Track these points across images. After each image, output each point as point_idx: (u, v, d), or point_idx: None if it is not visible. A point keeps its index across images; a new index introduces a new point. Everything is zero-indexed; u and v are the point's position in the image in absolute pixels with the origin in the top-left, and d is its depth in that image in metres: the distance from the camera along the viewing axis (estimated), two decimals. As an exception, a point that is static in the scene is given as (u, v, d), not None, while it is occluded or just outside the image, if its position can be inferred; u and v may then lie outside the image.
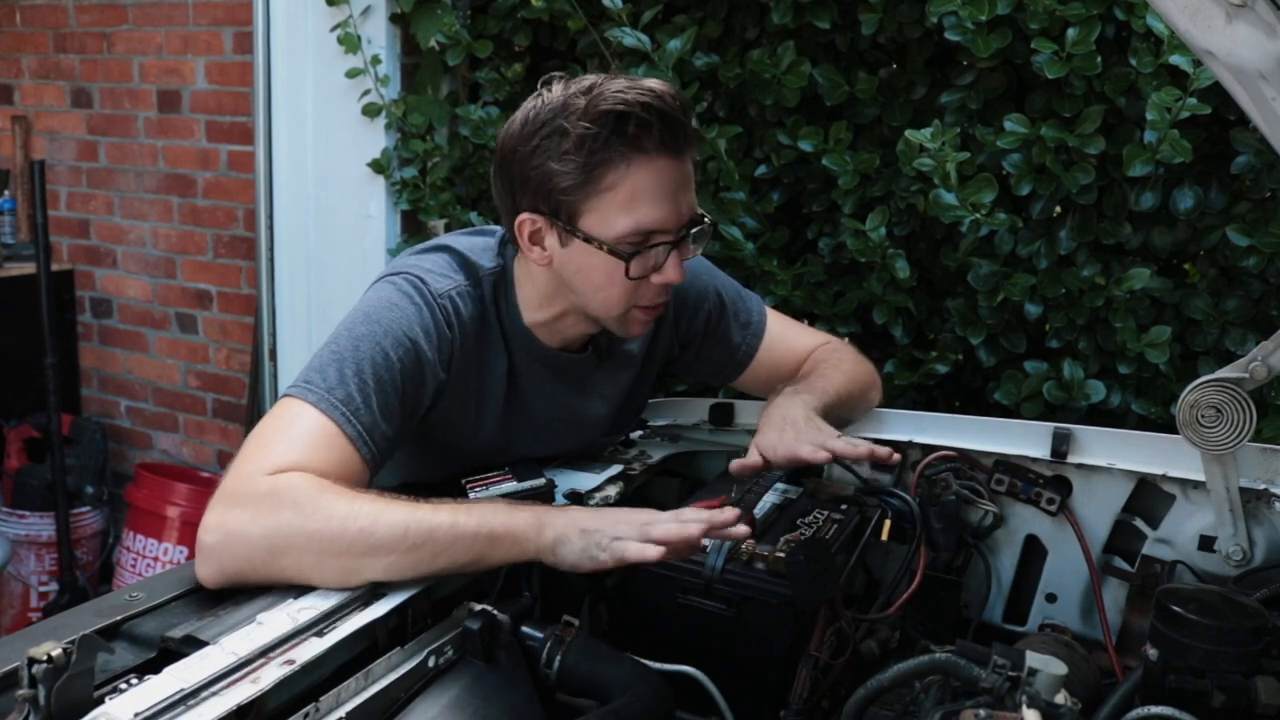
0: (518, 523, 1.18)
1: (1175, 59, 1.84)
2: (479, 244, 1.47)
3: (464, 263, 1.43)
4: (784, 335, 1.69)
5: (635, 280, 1.34)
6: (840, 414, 1.56)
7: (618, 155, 1.28)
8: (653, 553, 1.15)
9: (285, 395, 1.25)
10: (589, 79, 1.32)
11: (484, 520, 1.16)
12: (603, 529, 1.17)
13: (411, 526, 1.13)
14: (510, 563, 1.21)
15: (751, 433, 1.60)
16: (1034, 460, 1.55)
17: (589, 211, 1.31)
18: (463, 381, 1.41)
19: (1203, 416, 1.32)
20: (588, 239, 1.32)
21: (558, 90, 1.32)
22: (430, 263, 1.41)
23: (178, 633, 1.01)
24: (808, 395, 1.50)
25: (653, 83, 1.31)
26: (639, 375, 1.63)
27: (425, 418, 1.38)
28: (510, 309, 1.45)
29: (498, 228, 1.50)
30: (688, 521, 1.17)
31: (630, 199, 1.29)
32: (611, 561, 1.16)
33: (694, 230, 1.37)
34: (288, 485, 1.14)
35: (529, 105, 1.34)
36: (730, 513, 1.19)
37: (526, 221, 1.35)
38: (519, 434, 1.51)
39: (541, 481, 1.42)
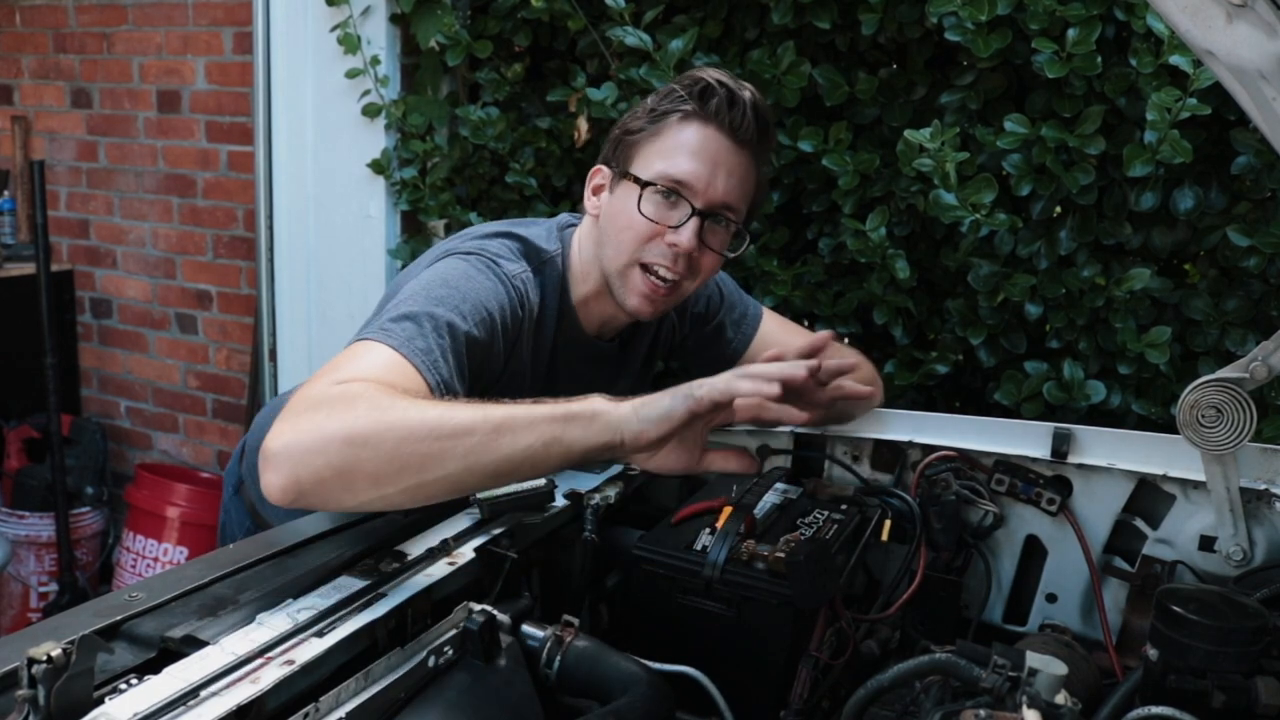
0: (592, 400, 1.12)
1: (1175, 59, 1.84)
2: (538, 231, 1.51)
3: (527, 250, 1.46)
4: (779, 335, 1.70)
5: (646, 222, 1.39)
6: (844, 406, 1.56)
7: (681, 111, 1.40)
8: (747, 386, 1.11)
9: (358, 340, 1.21)
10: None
11: (559, 404, 1.11)
12: (683, 391, 1.11)
13: (490, 411, 1.08)
14: (589, 448, 1.11)
15: (752, 432, 1.61)
16: (1034, 460, 1.55)
17: (639, 156, 1.42)
18: (519, 360, 1.43)
19: (1203, 417, 1.32)
20: (628, 176, 1.42)
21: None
22: (496, 247, 1.43)
23: (177, 633, 1.01)
24: None
25: (746, 84, 1.42)
26: (646, 357, 1.67)
27: (474, 388, 1.36)
28: (565, 291, 1.49)
29: (557, 217, 1.58)
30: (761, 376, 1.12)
31: (673, 148, 1.40)
32: (709, 397, 1.11)
33: (726, 225, 1.42)
34: (361, 388, 1.10)
35: None
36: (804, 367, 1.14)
37: (597, 174, 1.50)
38: None
39: (542, 482, 1.42)
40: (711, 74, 1.41)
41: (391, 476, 1.05)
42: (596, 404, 1.12)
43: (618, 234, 1.43)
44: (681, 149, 1.39)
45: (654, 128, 1.41)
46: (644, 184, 1.40)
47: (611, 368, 1.60)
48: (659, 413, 1.11)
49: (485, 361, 1.33)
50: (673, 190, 1.39)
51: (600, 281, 1.48)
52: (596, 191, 1.49)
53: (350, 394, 1.09)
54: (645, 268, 1.42)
